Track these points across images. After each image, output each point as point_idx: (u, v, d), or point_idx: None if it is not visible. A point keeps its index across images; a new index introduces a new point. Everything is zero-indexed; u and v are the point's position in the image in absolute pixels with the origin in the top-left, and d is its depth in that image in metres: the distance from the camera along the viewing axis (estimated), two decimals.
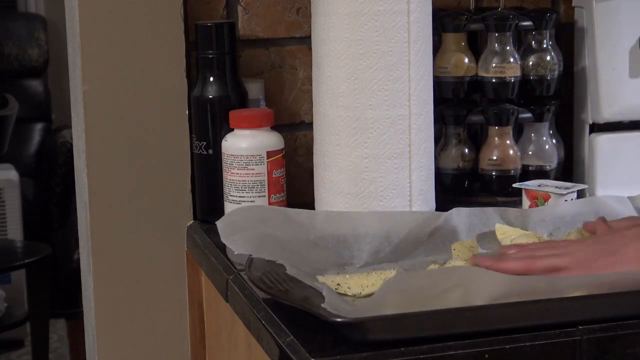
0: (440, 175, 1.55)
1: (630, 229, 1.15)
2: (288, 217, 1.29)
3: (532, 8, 1.62)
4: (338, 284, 1.16)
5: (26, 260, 3.37)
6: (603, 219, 1.25)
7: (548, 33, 1.56)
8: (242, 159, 1.42)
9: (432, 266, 1.22)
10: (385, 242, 1.30)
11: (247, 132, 1.42)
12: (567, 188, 1.41)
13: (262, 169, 1.42)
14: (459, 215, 1.33)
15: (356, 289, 1.16)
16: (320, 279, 1.18)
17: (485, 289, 1.02)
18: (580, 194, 1.46)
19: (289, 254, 1.21)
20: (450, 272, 1.06)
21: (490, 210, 1.35)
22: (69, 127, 2.67)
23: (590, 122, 1.60)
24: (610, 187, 1.54)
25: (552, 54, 1.56)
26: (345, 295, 1.16)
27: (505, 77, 1.53)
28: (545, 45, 1.56)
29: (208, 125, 1.47)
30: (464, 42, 1.56)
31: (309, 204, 1.43)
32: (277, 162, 1.43)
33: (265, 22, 1.55)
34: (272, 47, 1.56)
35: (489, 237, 1.30)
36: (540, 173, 1.57)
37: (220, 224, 1.27)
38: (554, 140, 1.59)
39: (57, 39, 4.32)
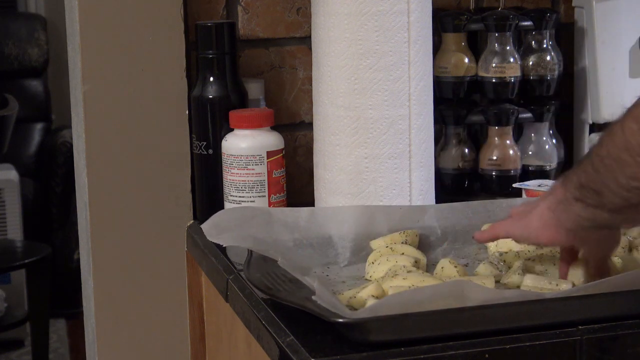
0: (440, 175, 1.56)
1: (542, 199, 1.13)
2: (272, 216, 1.29)
3: (532, 8, 1.62)
4: None
5: (26, 260, 3.36)
6: None
7: (548, 33, 1.56)
8: (242, 159, 1.42)
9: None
10: (366, 240, 1.30)
11: (247, 132, 1.42)
12: None
13: (262, 169, 1.42)
14: (437, 213, 1.33)
15: None
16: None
17: (475, 299, 1.02)
18: None
19: (273, 253, 1.21)
20: (443, 285, 1.06)
21: (475, 204, 1.35)
22: (69, 127, 2.67)
23: (590, 122, 1.60)
24: None
25: (552, 54, 1.56)
26: None
27: (505, 77, 1.53)
28: (545, 45, 1.56)
29: (208, 125, 1.47)
30: (464, 42, 1.56)
31: (309, 204, 1.43)
32: (277, 162, 1.43)
33: (265, 22, 1.55)
34: (272, 47, 1.56)
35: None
36: (540, 173, 1.57)
37: (205, 226, 1.27)
38: (554, 140, 1.59)
39: (57, 39, 4.31)
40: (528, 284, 1.14)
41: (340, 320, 0.99)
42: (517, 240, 1.15)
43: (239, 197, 1.42)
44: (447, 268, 1.20)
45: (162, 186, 1.50)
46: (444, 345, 0.99)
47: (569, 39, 1.64)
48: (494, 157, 1.54)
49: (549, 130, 1.59)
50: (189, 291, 1.53)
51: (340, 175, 1.38)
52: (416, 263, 1.22)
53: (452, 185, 1.56)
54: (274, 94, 1.57)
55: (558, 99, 1.59)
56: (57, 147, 3.96)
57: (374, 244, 1.28)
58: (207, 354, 1.46)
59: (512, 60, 1.54)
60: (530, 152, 1.58)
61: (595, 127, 1.60)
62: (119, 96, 1.48)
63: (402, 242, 1.27)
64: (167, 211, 1.51)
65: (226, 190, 1.44)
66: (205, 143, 1.47)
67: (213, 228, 1.26)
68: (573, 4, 1.63)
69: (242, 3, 1.54)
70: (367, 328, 0.99)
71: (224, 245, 1.27)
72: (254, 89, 1.51)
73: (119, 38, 1.46)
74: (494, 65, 1.54)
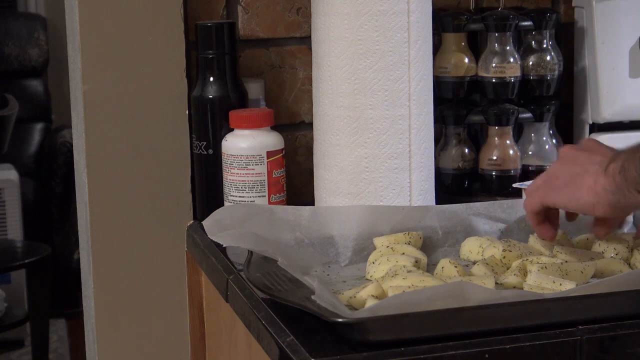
0: (440, 175, 1.56)
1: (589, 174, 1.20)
2: (274, 214, 1.29)
3: (532, 8, 1.62)
4: None
5: (26, 260, 3.36)
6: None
7: (548, 33, 1.56)
8: (242, 159, 1.42)
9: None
10: (368, 240, 1.30)
11: (247, 132, 1.42)
12: None
13: (262, 169, 1.42)
14: (439, 214, 1.33)
15: None
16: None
17: (475, 299, 1.02)
18: None
19: (274, 252, 1.21)
20: (443, 286, 1.06)
21: (477, 205, 1.35)
22: (69, 127, 2.67)
23: (590, 122, 1.60)
24: None
25: (552, 54, 1.56)
26: None
27: (505, 77, 1.53)
28: (545, 45, 1.56)
29: (208, 125, 1.47)
30: (464, 42, 1.56)
31: (309, 204, 1.43)
32: (277, 162, 1.43)
33: (265, 22, 1.55)
34: (272, 47, 1.56)
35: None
36: (540, 173, 1.56)
37: (206, 222, 1.27)
38: (554, 140, 1.59)
39: (57, 39, 4.32)
40: (531, 282, 1.14)
41: (340, 320, 0.99)
42: (560, 207, 1.23)
43: (239, 197, 1.42)
44: (447, 268, 1.20)
45: (162, 186, 1.50)
46: (444, 345, 0.99)
47: (569, 39, 1.64)
48: (494, 157, 1.54)
49: (549, 130, 1.59)
50: (189, 291, 1.53)
51: (340, 175, 1.38)
52: (417, 263, 1.22)
53: (452, 185, 1.56)
54: (274, 94, 1.57)
55: (558, 99, 1.59)
56: (57, 147, 3.97)
57: (377, 241, 1.28)
58: (207, 354, 1.46)
59: (512, 60, 1.54)
60: (530, 152, 1.58)
61: (595, 127, 1.60)
62: (119, 96, 1.48)
63: (406, 243, 1.27)
64: (167, 211, 1.51)
65: (226, 190, 1.44)
66: (205, 143, 1.47)
67: (214, 226, 1.26)
68: (573, 4, 1.63)
69: (242, 3, 1.54)
70: (367, 328, 0.99)
71: (224, 245, 1.27)
72: (254, 89, 1.51)
73: (119, 38, 1.46)
74: (494, 65, 1.54)
